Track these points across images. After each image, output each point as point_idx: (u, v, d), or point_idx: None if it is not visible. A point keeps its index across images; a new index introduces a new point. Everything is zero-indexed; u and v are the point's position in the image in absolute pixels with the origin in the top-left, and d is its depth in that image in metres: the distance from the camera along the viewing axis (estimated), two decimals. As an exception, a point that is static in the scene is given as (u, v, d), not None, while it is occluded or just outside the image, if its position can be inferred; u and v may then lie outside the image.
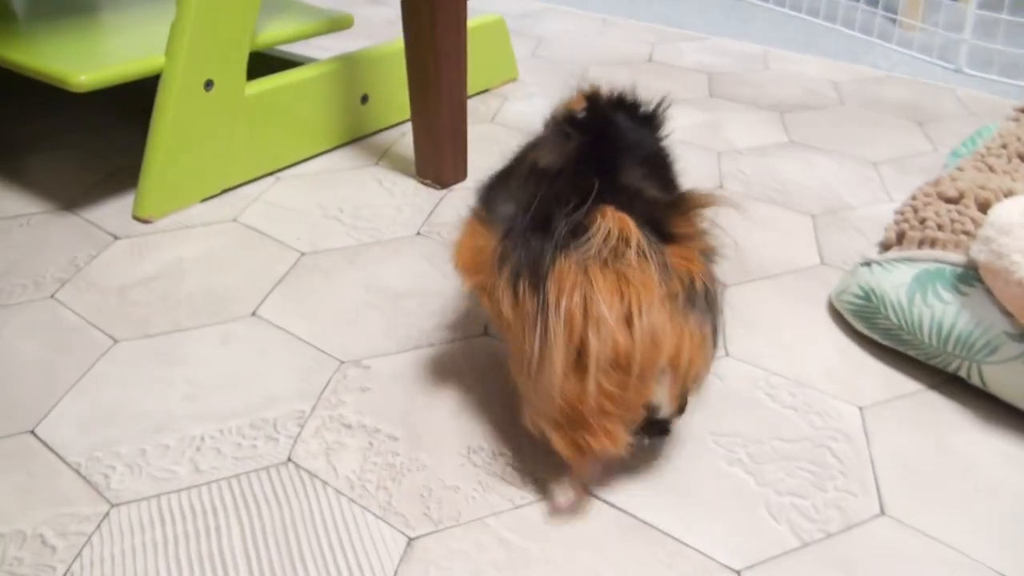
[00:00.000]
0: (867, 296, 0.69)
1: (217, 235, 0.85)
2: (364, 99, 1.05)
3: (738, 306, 0.74)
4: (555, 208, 0.50)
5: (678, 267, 0.50)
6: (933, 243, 0.70)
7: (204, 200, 0.92)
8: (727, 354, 0.68)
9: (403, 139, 1.06)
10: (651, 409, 0.52)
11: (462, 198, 0.93)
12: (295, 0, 1.09)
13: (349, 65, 1.02)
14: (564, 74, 1.31)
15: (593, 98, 0.60)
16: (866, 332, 0.70)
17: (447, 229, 0.86)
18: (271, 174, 0.98)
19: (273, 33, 0.97)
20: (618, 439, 0.50)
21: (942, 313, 0.64)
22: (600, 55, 1.40)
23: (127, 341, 0.69)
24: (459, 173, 0.96)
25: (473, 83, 1.19)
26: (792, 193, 0.95)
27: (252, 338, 0.70)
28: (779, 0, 1.75)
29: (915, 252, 0.70)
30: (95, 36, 0.93)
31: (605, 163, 0.54)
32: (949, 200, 0.76)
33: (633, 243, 0.49)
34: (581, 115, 0.59)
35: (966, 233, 0.70)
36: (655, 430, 0.55)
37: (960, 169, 0.85)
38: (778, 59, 1.41)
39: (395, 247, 0.83)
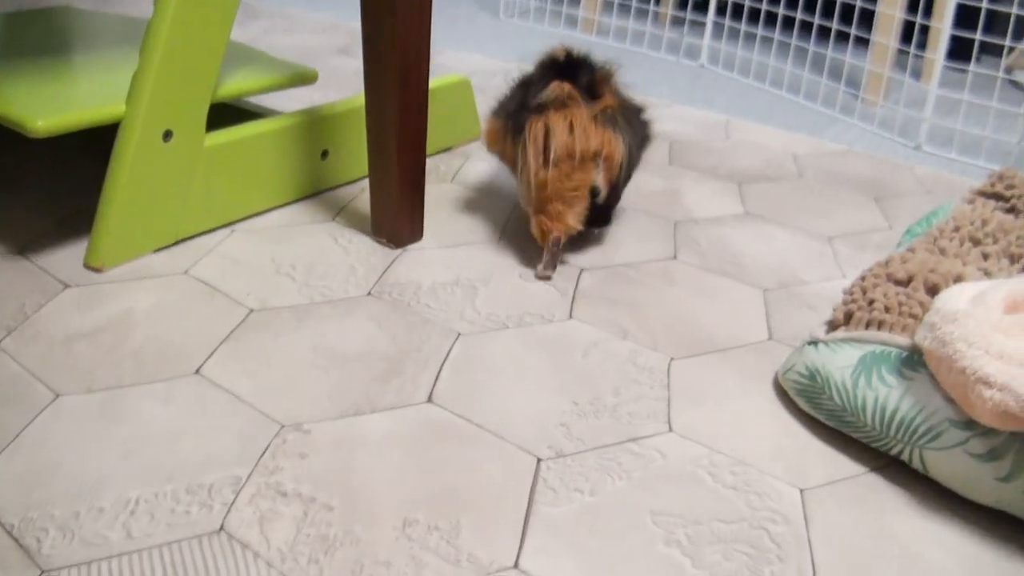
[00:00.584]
0: (812, 376, 0.69)
1: (168, 288, 0.84)
2: (324, 154, 1.05)
3: (685, 381, 0.74)
4: (536, 93, 0.87)
5: (600, 105, 0.87)
6: (880, 325, 0.71)
7: (157, 250, 0.91)
8: (670, 429, 0.68)
9: (362, 195, 1.06)
10: (594, 191, 0.88)
11: (417, 259, 0.92)
12: (260, 52, 1.09)
13: (310, 120, 1.02)
14: (528, 136, 1.32)
15: (567, 50, 0.92)
16: (811, 412, 0.70)
17: (399, 290, 0.86)
18: (227, 226, 0.98)
19: (235, 86, 0.97)
20: (568, 221, 0.87)
21: (886, 397, 0.64)
22: (565, 118, 1.41)
23: (69, 396, 0.68)
24: (415, 233, 0.96)
25: (435, 142, 1.19)
26: (746, 266, 0.95)
27: (195, 397, 0.69)
28: (743, 70, 1.78)
29: (862, 333, 0.70)
30: (55, 81, 0.92)
31: (567, 71, 0.89)
32: (898, 282, 0.76)
33: (568, 91, 0.85)
34: (562, 58, 0.91)
35: (913, 316, 0.71)
36: (600, 221, 0.97)
37: (911, 250, 0.86)
38: (740, 129, 1.43)
39: (345, 307, 0.82)
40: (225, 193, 0.96)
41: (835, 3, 1.85)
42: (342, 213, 1.02)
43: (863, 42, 2.00)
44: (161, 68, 0.84)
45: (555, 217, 0.87)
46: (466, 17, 2.13)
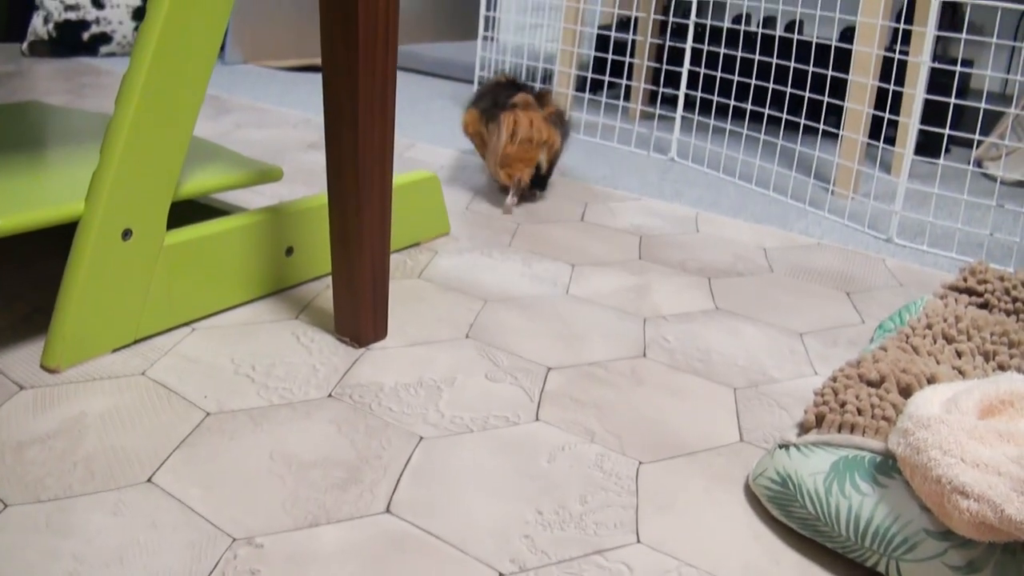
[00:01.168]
0: (784, 482, 0.67)
1: (123, 390, 0.82)
2: (289, 251, 1.04)
3: (654, 487, 0.72)
4: (502, 98, 1.36)
5: (547, 111, 1.37)
6: (852, 428, 0.69)
7: (115, 350, 0.89)
8: (638, 540, 0.65)
9: (326, 292, 1.05)
10: (538, 165, 1.38)
11: (380, 358, 0.90)
12: (224, 149, 1.09)
13: (275, 217, 1.01)
14: (495, 230, 1.31)
15: (511, 75, 1.46)
16: (784, 520, 0.67)
17: (361, 392, 0.83)
18: (187, 324, 0.95)
19: (198, 184, 0.96)
20: (525, 173, 1.36)
21: (860, 505, 0.62)
22: (533, 212, 1.41)
23: (17, 506, 0.65)
24: (379, 331, 0.94)
25: (403, 237, 1.18)
26: (715, 363, 0.94)
27: (145, 508, 0.66)
28: (713, 164, 1.79)
29: (834, 437, 0.68)
30: (15, 178, 0.91)
31: (518, 88, 1.40)
32: (870, 383, 0.75)
33: (526, 100, 1.34)
34: (504, 81, 1.46)
35: (886, 419, 0.69)
36: (539, 185, 1.42)
37: (883, 348, 0.85)
38: (709, 222, 1.43)
39: (305, 410, 0.80)
40: (186, 292, 0.94)
41: (803, 98, 1.88)
42: (306, 310, 1.00)
43: (832, 135, 2.03)
44: (121, 167, 0.83)
45: (517, 170, 1.37)
46: (440, 111, 2.15)
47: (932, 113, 1.88)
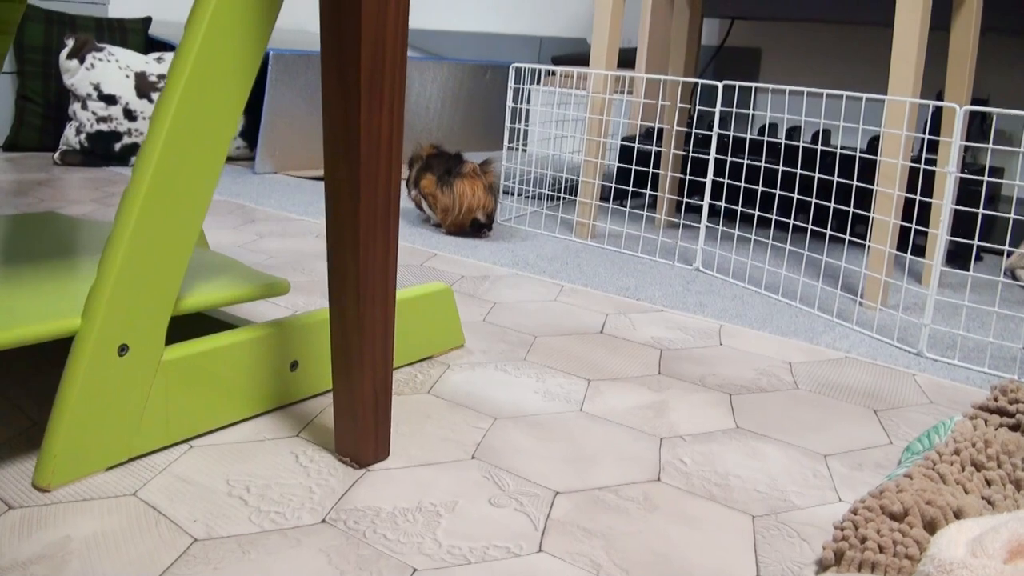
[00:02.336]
0: (801, 628, 0.62)
1: (112, 512, 0.78)
2: (294, 366, 1.01)
3: (662, 628, 0.67)
4: (451, 165, 1.88)
5: (487, 179, 1.87)
6: (873, 567, 0.64)
7: (109, 468, 0.86)
8: None
9: (330, 408, 1.02)
10: (475, 219, 1.89)
11: (380, 480, 0.87)
12: (232, 262, 1.08)
13: (279, 331, 0.99)
14: (511, 342, 1.28)
15: (437, 145, 2.01)
16: (801, 670, 0.62)
17: (356, 517, 0.80)
18: (185, 441, 0.93)
19: (199, 298, 0.94)
20: (458, 227, 1.89)
21: (882, 656, 0.57)
22: (552, 324, 1.38)
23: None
24: (380, 451, 0.91)
25: (415, 350, 1.16)
26: (734, 488, 0.89)
27: (112, 646, 0.62)
28: (738, 275, 1.76)
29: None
30: (15, 291, 0.90)
31: (453, 158, 1.93)
32: (893, 516, 0.70)
33: (475, 170, 1.85)
34: (432, 151, 1.99)
35: (909, 558, 0.64)
36: (480, 231, 1.94)
37: (908, 476, 0.80)
38: (733, 335, 1.39)
39: (296, 536, 0.76)
40: (184, 408, 0.92)
41: (831, 208, 1.85)
42: (309, 427, 0.97)
43: (861, 245, 2.00)
44: (118, 282, 0.82)
45: (461, 222, 1.90)
46: (463, 220, 2.15)
47: (962, 222, 1.84)
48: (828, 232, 1.52)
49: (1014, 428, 0.97)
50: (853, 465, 0.97)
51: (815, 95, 2.56)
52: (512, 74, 2.06)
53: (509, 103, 2.06)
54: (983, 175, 1.47)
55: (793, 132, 2.42)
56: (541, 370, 1.19)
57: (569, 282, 1.65)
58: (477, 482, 0.87)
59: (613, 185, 2.02)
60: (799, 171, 1.67)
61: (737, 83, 1.70)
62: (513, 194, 2.46)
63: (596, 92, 1.94)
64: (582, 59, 2.97)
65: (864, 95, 1.45)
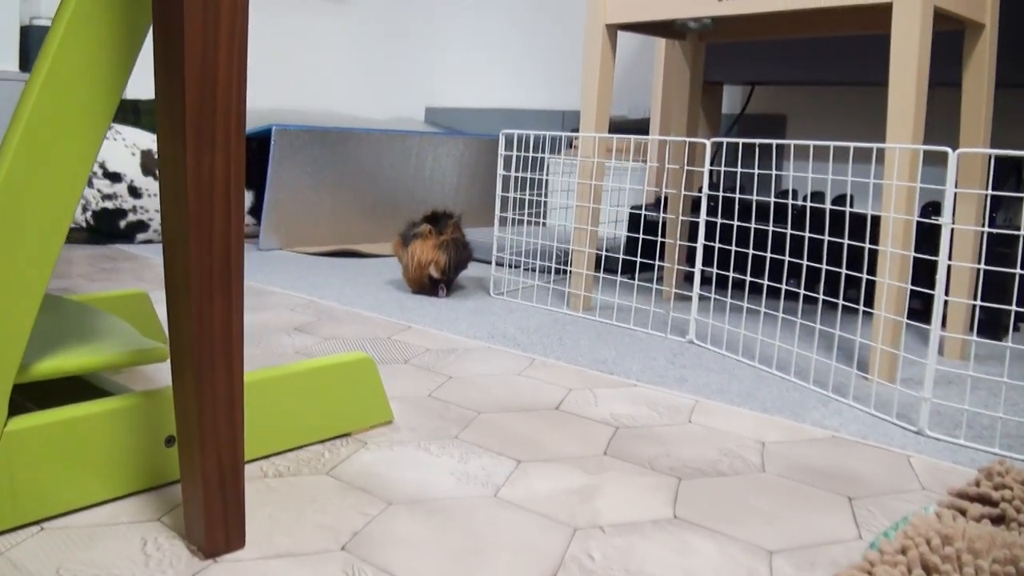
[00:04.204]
0: None
1: (-98, 612, 0.68)
2: (170, 441, 0.90)
3: None
4: (415, 227, 1.96)
5: (443, 237, 1.92)
6: None
7: (-66, 559, 0.76)
8: None
9: (203, 494, 0.90)
10: (431, 275, 1.93)
11: (228, 572, 0.74)
12: (114, 324, 0.98)
13: (153, 402, 0.89)
14: (451, 420, 1.16)
15: (436, 209, 2.04)
16: None
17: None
18: (37, 523, 0.82)
19: (55, 363, 0.85)
20: (424, 285, 1.95)
21: None
22: (504, 400, 1.26)
23: None
24: (233, 540, 0.79)
25: (326, 426, 1.04)
26: (639, 592, 0.75)
27: None
28: (732, 345, 1.62)
29: None
30: None
31: (436, 218, 1.98)
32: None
33: (428, 230, 1.93)
34: (433, 212, 2.02)
35: None
36: (436, 287, 1.96)
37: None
38: (707, 412, 1.25)
39: (83, 647, 0.64)
40: (33, 486, 0.81)
41: (839, 276, 1.70)
42: (175, 511, 0.86)
43: (855, 311, 1.84)
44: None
45: (418, 278, 1.95)
46: (454, 293, 2.04)
47: (992, 286, 1.68)
48: (820, 298, 1.37)
49: (997, 520, 0.81)
50: (803, 564, 0.82)
51: (821, 151, 2.42)
52: (502, 141, 1.96)
53: (500, 170, 1.97)
54: (1016, 236, 1.32)
55: (817, 197, 2.27)
56: (469, 449, 1.06)
57: (542, 355, 1.52)
58: (334, 580, 0.75)
59: (621, 256, 1.90)
60: (788, 231, 1.54)
61: (725, 139, 1.58)
62: (507, 266, 2.36)
63: (586, 156, 1.84)
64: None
65: (852, 144, 1.31)
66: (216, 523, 0.77)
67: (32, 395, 1.02)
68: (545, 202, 2.77)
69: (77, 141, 0.77)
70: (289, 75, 3.86)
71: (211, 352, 0.74)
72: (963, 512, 0.80)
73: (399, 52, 3.83)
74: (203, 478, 0.76)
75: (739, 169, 1.55)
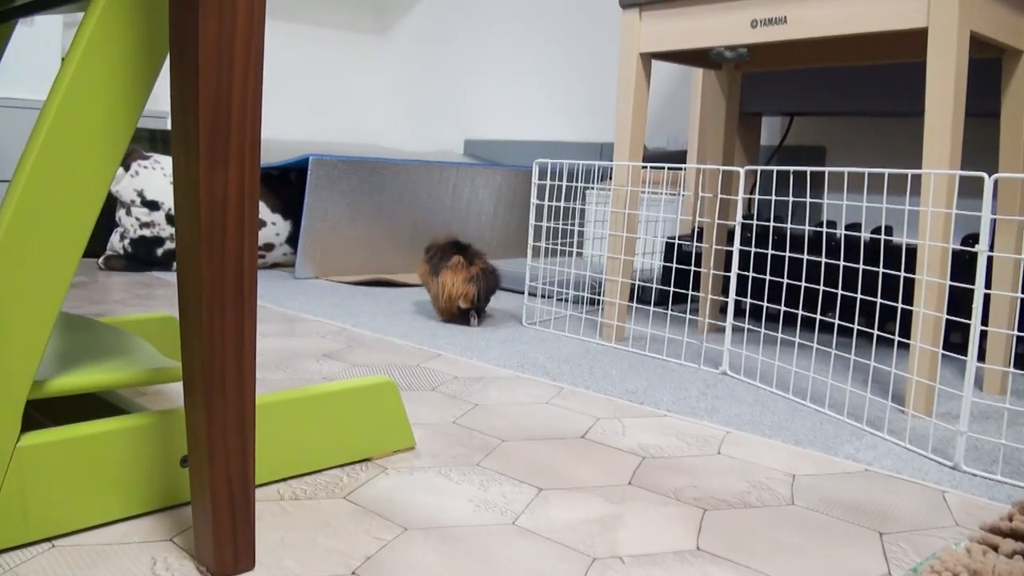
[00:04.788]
0: None
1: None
2: (185, 461, 0.90)
3: None
4: (445, 257, 1.96)
5: (474, 269, 1.94)
6: None
7: (-54, 576, 0.76)
8: None
9: (217, 516, 0.89)
10: (460, 307, 1.95)
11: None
12: (132, 343, 0.98)
13: (168, 421, 0.88)
14: (473, 447, 1.14)
15: (454, 237, 2.04)
16: None
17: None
18: (48, 540, 0.82)
19: (67, 381, 0.84)
20: (454, 315, 1.98)
21: None
22: (529, 428, 1.24)
23: None
24: (242, 562, 0.78)
25: (345, 451, 1.03)
26: (654, 624, 0.72)
27: None
28: (766, 377, 1.58)
29: None
30: None
31: (462, 247, 1.99)
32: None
33: (460, 262, 1.95)
34: (450, 240, 2.03)
35: None
36: (466, 317, 1.99)
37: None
38: (737, 444, 1.22)
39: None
40: (46, 503, 0.81)
41: (876, 307, 1.67)
42: (188, 531, 0.85)
43: (889, 342, 1.79)
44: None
45: (448, 309, 1.98)
46: (487, 322, 2.03)
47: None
48: (855, 328, 1.34)
49: (1033, 556, 0.77)
50: (828, 598, 0.78)
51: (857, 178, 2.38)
52: (535, 170, 1.96)
53: (533, 200, 1.96)
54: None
55: (854, 228, 2.24)
56: (490, 477, 1.04)
57: (571, 384, 1.50)
58: (341, 605, 0.73)
59: (654, 286, 1.88)
60: (842, 262, 1.51)
61: (759, 167, 1.56)
62: (539, 296, 2.34)
63: (619, 184, 1.82)
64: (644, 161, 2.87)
65: (886, 171, 1.29)
66: (225, 544, 0.76)
67: (52, 414, 1.02)
68: (581, 231, 2.75)
69: (94, 161, 0.77)
70: (331, 109, 3.91)
71: (222, 369, 0.74)
72: (995, 548, 0.76)
73: (439, 85, 3.86)
74: (212, 497, 0.75)
75: (773, 197, 1.53)
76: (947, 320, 1.59)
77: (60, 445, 0.82)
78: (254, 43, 0.72)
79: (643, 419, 1.32)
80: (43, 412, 1.01)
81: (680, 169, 2.44)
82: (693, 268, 1.99)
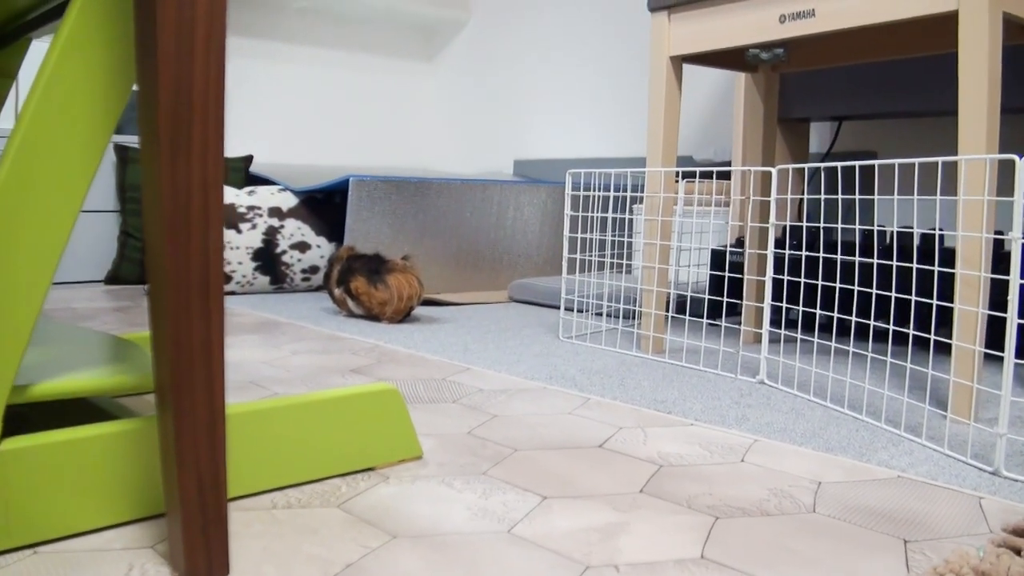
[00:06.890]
0: None
1: None
2: (175, 473, 0.88)
3: None
4: (375, 265, 2.14)
5: (415, 272, 2.14)
6: None
7: (-74, 584, 0.75)
8: None
9: (203, 524, 0.87)
10: (409, 307, 2.13)
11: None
12: (130, 349, 0.97)
13: (155, 427, 0.87)
14: (483, 456, 1.11)
15: (351, 249, 2.28)
16: None
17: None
18: (31, 546, 0.80)
19: (49, 386, 0.83)
20: (400, 313, 2.13)
21: None
22: (546, 438, 1.20)
23: None
24: (216, 568, 0.75)
25: (345, 459, 1.01)
26: (638, 632, 0.68)
27: None
28: (803, 385, 1.52)
29: None
30: None
31: (372, 258, 2.17)
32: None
33: (404, 265, 2.14)
34: (351, 253, 2.23)
35: None
36: (408, 315, 2.17)
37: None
38: (764, 452, 1.16)
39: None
40: (27, 509, 0.80)
41: (909, 306, 1.59)
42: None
43: (937, 345, 1.71)
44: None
45: (403, 310, 2.12)
46: (514, 337, 2.00)
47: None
48: (890, 330, 1.27)
49: (1062, 561, 0.71)
50: (837, 608, 0.73)
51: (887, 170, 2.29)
52: (568, 181, 1.93)
53: (567, 211, 1.92)
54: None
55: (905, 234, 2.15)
56: (494, 485, 1.00)
57: (598, 395, 1.45)
58: (312, 613, 0.70)
59: (706, 297, 1.83)
60: (875, 260, 1.44)
61: (790, 166, 1.50)
62: (574, 310, 2.30)
63: (652, 191, 1.78)
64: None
65: (916, 160, 1.22)
66: (197, 550, 0.74)
67: (49, 421, 1.02)
68: (624, 243, 2.70)
69: (72, 161, 0.76)
70: (381, 134, 3.93)
71: (190, 371, 0.72)
72: (1018, 550, 0.70)
73: (487, 106, 3.85)
74: (182, 503, 0.73)
75: (805, 196, 1.47)
76: (992, 318, 1.51)
77: (43, 449, 0.81)
78: (215, 31, 0.70)
79: (667, 428, 1.27)
80: (41, 418, 1.01)
81: (713, 177, 2.38)
82: (726, 273, 1.93)
